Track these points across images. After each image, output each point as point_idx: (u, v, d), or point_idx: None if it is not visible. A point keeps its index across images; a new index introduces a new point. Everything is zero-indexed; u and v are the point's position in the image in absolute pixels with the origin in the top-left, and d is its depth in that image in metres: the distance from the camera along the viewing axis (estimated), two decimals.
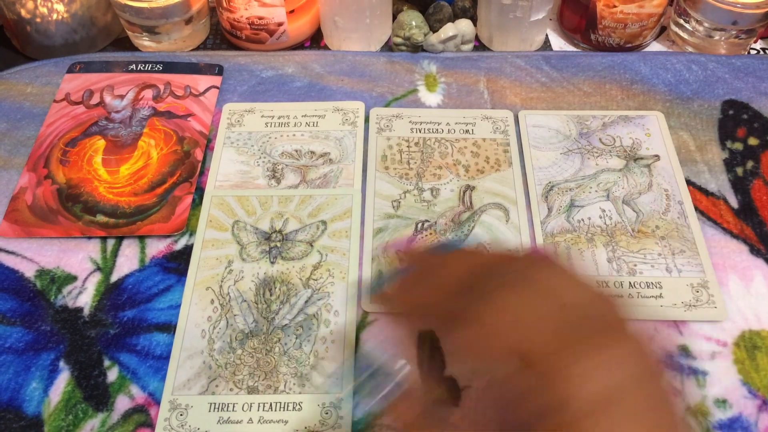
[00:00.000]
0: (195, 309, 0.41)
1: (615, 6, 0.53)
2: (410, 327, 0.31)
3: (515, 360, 0.24)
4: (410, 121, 0.51)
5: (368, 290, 0.39)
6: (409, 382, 0.31)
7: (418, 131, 0.50)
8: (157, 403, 0.38)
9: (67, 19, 0.55)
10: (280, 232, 0.45)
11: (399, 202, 0.46)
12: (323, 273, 0.42)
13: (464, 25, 0.55)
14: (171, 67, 0.55)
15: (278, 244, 0.44)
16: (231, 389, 0.38)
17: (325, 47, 0.58)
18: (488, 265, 0.28)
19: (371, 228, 0.45)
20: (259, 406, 0.37)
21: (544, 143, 0.50)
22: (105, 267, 0.43)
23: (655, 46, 0.59)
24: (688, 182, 0.47)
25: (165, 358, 0.39)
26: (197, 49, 0.58)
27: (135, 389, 0.38)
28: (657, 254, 0.43)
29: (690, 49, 0.57)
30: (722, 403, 0.38)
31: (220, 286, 0.42)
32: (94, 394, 0.38)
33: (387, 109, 0.52)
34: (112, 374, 0.39)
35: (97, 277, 0.43)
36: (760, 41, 0.59)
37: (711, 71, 0.54)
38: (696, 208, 0.46)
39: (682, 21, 0.57)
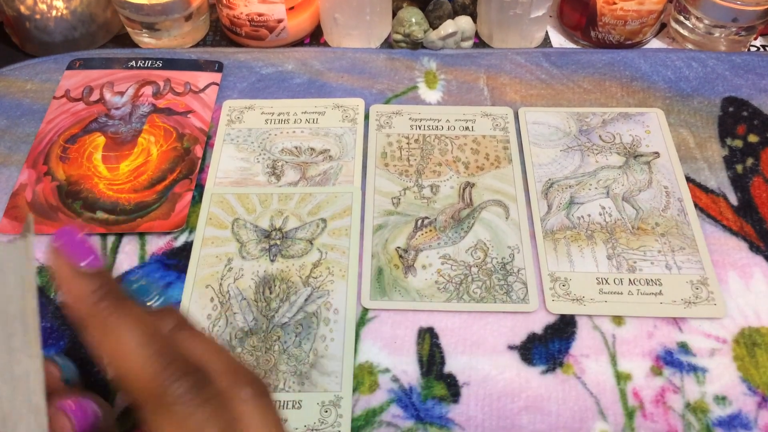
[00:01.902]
0: (195, 307, 0.41)
1: (615, 3, 0.53)
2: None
3: None
4: (410, 118, 0.51)
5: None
6: None
7: (417, 128, 0.50)
8: None
9: (66, 15, 0.55)
10: (279, 230, 0.45)
11: (399, 199, 0.46)
12: (323, 271, 0.43)
13: (464, 22, 0.55)
14: (171, 63, 0.55)
15: (278, 242, 0.44)
16: None
17: (325, 44, 0.58)
18: None
19: (371, 225, 0.45)
20: None
21: (543, 140, 0.50)
22: (105, 264, 0.43)
23: (655, 43, 0.59)
24: (688, 179, 0.47)
25: None
26: (197, 45, 0.58)
27: None
28: (657, 251, 0.43)
29: (690, 46, 0.57)
30: (722, 400, 0.38)
31: (220, 284, 0.42)
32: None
33: (387, 105, 0.52)
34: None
35: None
36: (760, 38, 0.59)
37: (711, 68, 0.54)
38: (696, 205, 0.46)
39: (682, 18, 0.57)
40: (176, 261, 0.43)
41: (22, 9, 0.53)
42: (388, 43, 0.58)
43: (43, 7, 0.53)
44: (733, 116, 0.51)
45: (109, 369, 0.24)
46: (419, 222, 0.45)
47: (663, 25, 0.60)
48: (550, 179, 0.47)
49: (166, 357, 0.24)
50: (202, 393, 0.23)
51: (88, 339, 0.24)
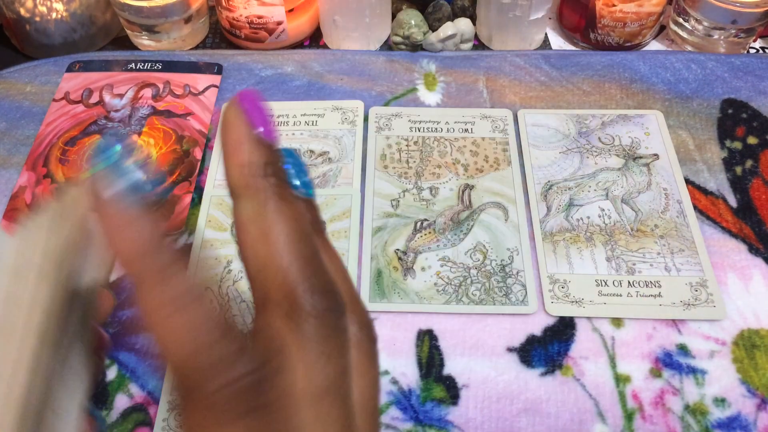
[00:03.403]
0: None
1: (614, 5, 0.53)
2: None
3: None
4: (409, 120, 0.51)
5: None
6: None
7: (417, 130, 0.50)
8: (156, 402, 0.38)
9: (66, 18, 0.55)
10: None
11: (398, 201, 0.46)
12: None
13: (463, 24, 0.55)
14: (170, 66, 0.55)
15: None
16: None
17: (325, 46, 0.58)
18: None
19: (370, 227, 0.45)
20: None
21: (543, 142, 0.50)
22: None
23: (655, 45, 0.59)
24: (687, 181, 0.47)
25: None
26: (196, 48, 0.58)
27: (134, 388, 0.38)
28: (656, 253, 0.43)
29: (689, 48, 0.57)
30: (721, 402, 0.38)
31: (219, 287, 0.42)
32: (94, 392, 0.38)
33: (386, 108, 0.52)
34: (111, 373, 0.39)
35: None
36: (759, 40, 0.59)
37: (710, 70, 0.54)
38: (695, 207, 0.46)
39: (681, 20, 0.57)
40: None
41: (22, 11, 0.53)
42: (388, 45, 0.58)
43: (43, 9, 0.53)
44: (733, 118, 0.51)
45: (245, 249, 0.21)
46: (418, 224, 0.45)
47: (662, 27, 0.60)
48: (549, 181, 0.47)
49: (312, 267, 0.21)
50: (336, 321, 0.21)
51: (237, 210, 0.21)
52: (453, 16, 0.57)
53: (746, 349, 0.40)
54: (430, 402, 0.38)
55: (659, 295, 0.42)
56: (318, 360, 0.20)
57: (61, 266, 0.22)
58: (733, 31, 0.55)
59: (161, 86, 0.53)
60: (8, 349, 0.20)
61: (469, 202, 0.46)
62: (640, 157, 0.49)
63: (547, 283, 0.42)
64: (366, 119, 0.51)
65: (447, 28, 0.55)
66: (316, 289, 0.21)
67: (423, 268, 0.43)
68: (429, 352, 0.40)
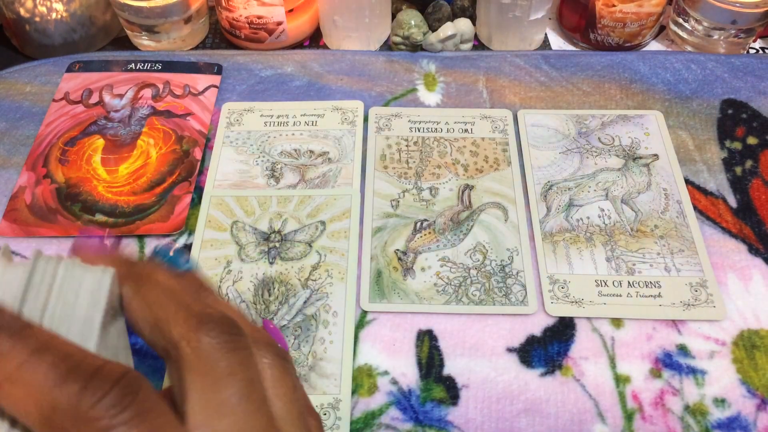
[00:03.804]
0: None
1: (614, 5, 0.53)
2: None
3: None
4: (409, 121, 0.51)
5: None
6: None
7: (417, 130, 0.50)
8: None
9: (66, 18, 0.55)
10: (279, 232, 0.45)
11: (398, 202, 0.46)
12: (322, 273, 0.43)
13: (463, 25, 0.55)
14: (170, 66, 0.55)
15: (277, 245, 0.44)
16: None
17: (324, 46, 0.58)
18: None
19: (370, 227, 0.45)
20: None
21: (543, 142, 0.50)
22: None
23: (655, 46, 0.59)
24: (687, 181, 0.47)
25: None
26: (196, 48, 0.58)
27: None
28: (656, 254, 0.43)
29: (689, 48, 0.57)
30: (721, 402, 0.38)
31: (219, 287, 0.42)
32: None
33: (386, 108, 0.52)
34: None
35: None
36: (759, 40, 0.59)
37: (710, 70, 0.54)
38: (695, 208, 0.46)
39: (681, 20, 0.57)
40: None
41: (22, 12, 0.53)
42: (388, 46, 0.58)
43: (43, 9, 0.53)
44: (732, 118, 0.51)
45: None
46: (418, 224, 0.45)
47: (662, 28, 0.60)
48: (549, 181, 0.47)
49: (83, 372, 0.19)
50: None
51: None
52: (453, 17, 0.57)
53: (746, 349, 0.40)
54: (429, 402, 0.38)
55: (659, 295, 0.42)
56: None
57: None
58: (733, 32, 0.55)
59: (161, 86, 0.53)
60: None
61: (469, 202, 0.46)
62: (640, 158, 0.49)
63: (546, 284, 0.42)
64: (366, 119, 0.51)
65: (447, 29, 0.55)
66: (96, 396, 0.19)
67: (423, 269, 0.43)
68: (429, 353, 0.40)
